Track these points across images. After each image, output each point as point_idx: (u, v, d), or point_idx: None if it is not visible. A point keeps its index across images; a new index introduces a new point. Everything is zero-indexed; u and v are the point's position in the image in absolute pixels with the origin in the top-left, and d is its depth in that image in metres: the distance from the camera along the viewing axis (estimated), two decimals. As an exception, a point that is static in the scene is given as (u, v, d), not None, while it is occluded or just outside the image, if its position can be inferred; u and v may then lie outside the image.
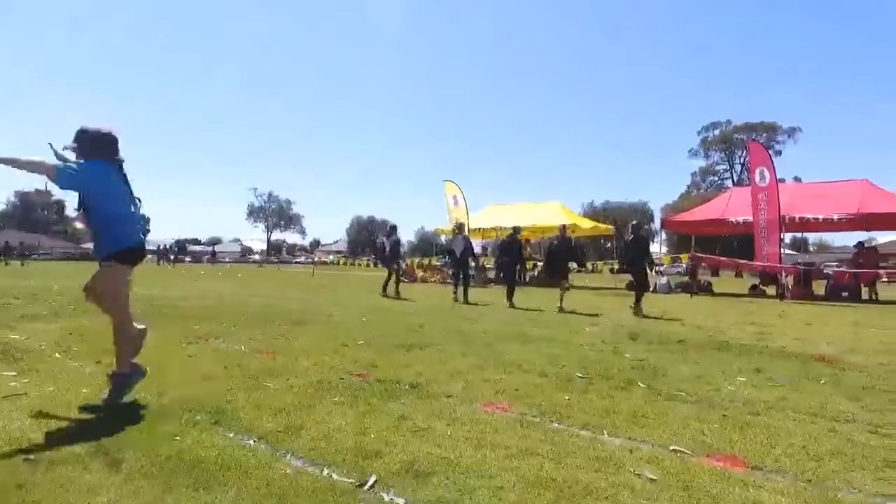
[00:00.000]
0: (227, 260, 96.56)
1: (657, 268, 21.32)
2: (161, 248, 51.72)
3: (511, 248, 11.96)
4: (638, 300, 9.67)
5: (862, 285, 15.58)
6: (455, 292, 11.82)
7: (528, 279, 19.97)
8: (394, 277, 12.75)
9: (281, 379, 3.94)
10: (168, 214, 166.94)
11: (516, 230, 12.46)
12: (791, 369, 4.82)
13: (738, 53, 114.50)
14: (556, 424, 3.07)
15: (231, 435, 2.75)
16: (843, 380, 4.42)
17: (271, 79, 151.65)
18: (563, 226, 11.51)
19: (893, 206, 14.81)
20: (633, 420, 3.16)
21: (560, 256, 10.96)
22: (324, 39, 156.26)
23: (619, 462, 2.49)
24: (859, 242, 17.18)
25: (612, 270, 20.35)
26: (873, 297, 15.28)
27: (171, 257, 49.22)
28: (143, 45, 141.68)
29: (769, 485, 2.28)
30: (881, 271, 16.22)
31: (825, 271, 17.20)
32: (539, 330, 7.11)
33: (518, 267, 13.25)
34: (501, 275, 13.56)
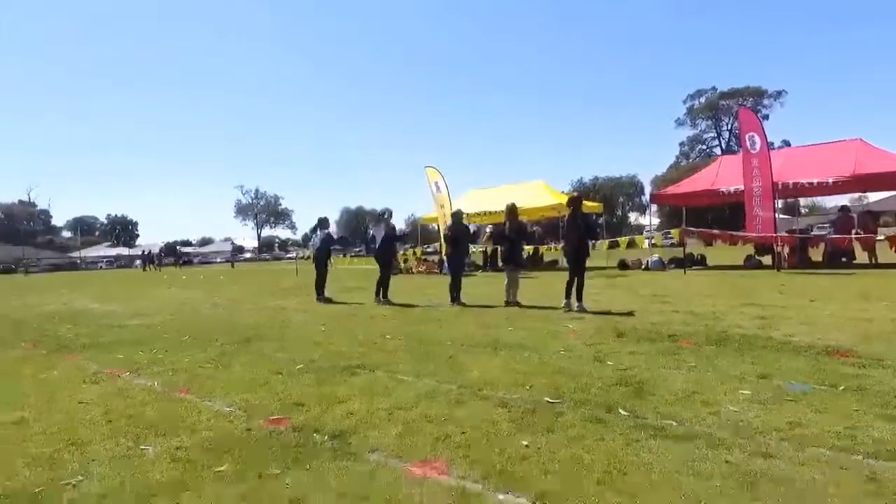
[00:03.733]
0: (218, 260, 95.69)
1: (649, 242, 20.60)
2: (146, 252, 50.71)
3: (457, 239, 9.93)
4: (568, 293, 8.05)
5: (862, 248, 14.90)
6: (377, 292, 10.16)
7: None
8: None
9: (169, 437, 3.12)
10: (158, 218, 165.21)
11: (459, 213, 10.37)
12: (802, 372, 4.05)
13: (722, 18, 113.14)
14: (503, 496, 2.27)
15: (35, 558, 1.94)
16: (867, 384, 3.65)
17: (252, 71, 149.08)
18: (513, 206, 9.31)
19: (889, 166, 14.04)
20: (606, 480, 2.37)
21: (513, 241, 9.19)
22: (303, 26, 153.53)
23: (577, 579, 1.70)
24: (843, 206, 16.44)
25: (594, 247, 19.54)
26: (873, 261, 14.60)
27: (157, 262, 48.31)
28: (120, 45, 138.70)
29: None
30: (881, 231, 15.51)
31: (822, 237, 16.49)
32: (515, 333, 6.31)
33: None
34: (447, 265, 11.13)
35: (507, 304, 8.81)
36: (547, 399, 3.58)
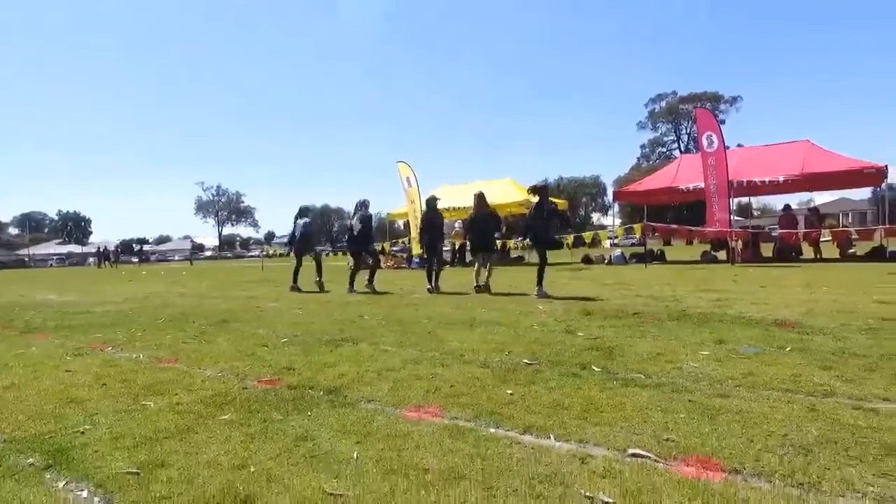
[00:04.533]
0: (177, 258, 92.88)
1: (611, 240, 21.26)
2: (101, 249, 48.94)
3: (433, 225, 9.91)
4: (540, 278, 8.23)
5: (808, 245, 15.86)
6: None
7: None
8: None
9: (167, 396, 3.23)
10: (113, 214, 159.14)
11: (432, 199, 10.23)
12: (754, 337, 4.44)
13: (686, 24, 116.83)
14: (494, 429, 2.51)
15: (61, 484, 2.06)
16: (809, 346, 4.06)
17: (212, 67, 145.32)
18: (481, 195, 9.44)
19: (835, 165, 15.01)
20: (585, 416, 2.63)
21: (482, 228, 9.28)
22: (265, 24, 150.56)
23: (566, 480, 1.94)
24: (786, 205, 17.47)
25: (568, 246, 20.09)
26: (818, 256, 15.56)
27: (113, 259, 46.68)
28: (75, 37, 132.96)
29: (755, 496, 1.78)
30: (824, 230, 16.54)
31: (772, 234, 17.44)
32: (489, 313, 6.58)
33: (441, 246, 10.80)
34: (424, 257, 10.79)
35: (477, 289, 9.02)
36: (525, 361, 3.84)
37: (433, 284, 9.56)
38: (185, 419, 2.77)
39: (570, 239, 18.54)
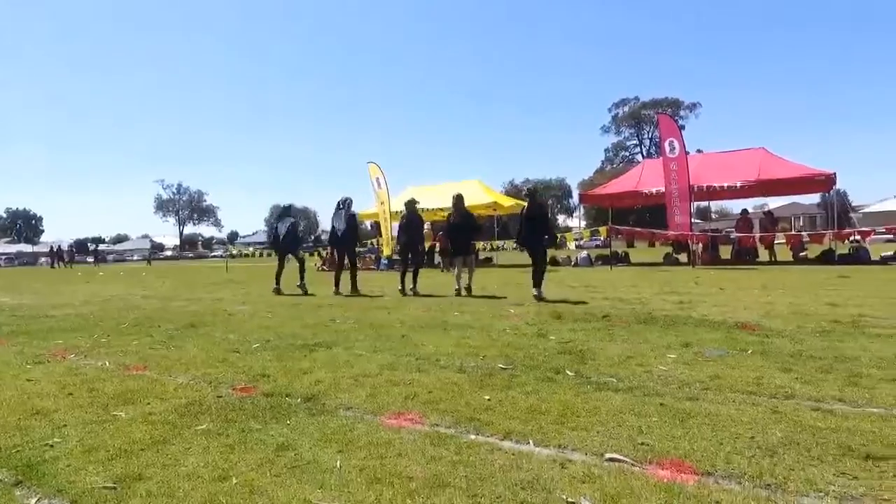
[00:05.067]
0: (135, 258, 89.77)
1: (577, 242, 21.68)
2: (55, 248, 46.93)
3: (412, 227, 9.86)
4: (538, 284, 8.18)
5: (764, 248, 16.52)
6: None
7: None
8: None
9: (139, 405, 3.16)
10: (67, 212, 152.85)
11: (412, 202, 10.15)
12: (718, 340, 4.62)
13: (647, 32, 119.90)
14: (474, 436, 2.55)
15: (33, 501, 2.00)
16: (769, 348, 4.25)
17: (174, 60, 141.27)
18: (460, 196, 9.48)
19: (788, 172, 15.69)
20: (562, 421, 2.70)
21: (461, 232, 9.31)
22: (232, 15, 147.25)
23: (548, 486, 2.00)
24: (743, 209, 18.19)
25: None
26: (773, 259, 16.23)
27: (67, 259, 44.84)
28: (31, 27, 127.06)
29: (727, 498, 1.87)
30: (779, 233, 17.25)
31: (731, 236, 18.10)
32: (462, 316, 6.63)
33: (421, 247, 10.56)
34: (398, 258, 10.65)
35: (458, 292, 9.04)
36: (500, 366, 3.90)
37: (413, 287, 9.52)
38: (160, 430, 2.72)
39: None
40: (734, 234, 17.76)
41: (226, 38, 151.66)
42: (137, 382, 3.70)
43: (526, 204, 8.77)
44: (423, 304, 8.03)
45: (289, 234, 10.47)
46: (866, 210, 64.76)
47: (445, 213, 21.57)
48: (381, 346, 4.81)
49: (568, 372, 3.66)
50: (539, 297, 8.00)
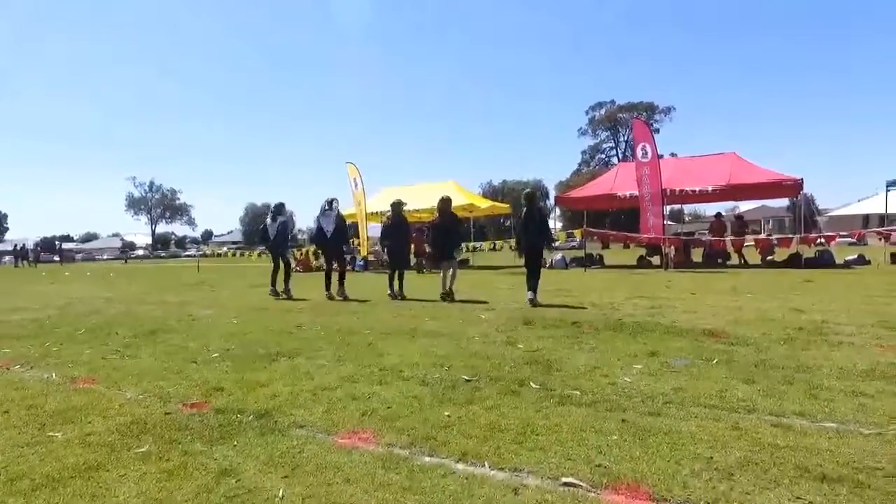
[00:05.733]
0: (105, 257, 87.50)
1: (553, 243, 21.75)
2: (19, 247, 45.41)
3: (400, 229, 9.77)
4: (534, 288, 8.10)
5: (734, 251, 16.79)
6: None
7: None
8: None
9: (79, 424, 2.99)
10: (32, 210, 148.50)
11: (398, 204, 9.93)
12: (684, 349, 4.61)
13: (626, 36, 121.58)
14: (429, 458, 2.45)
15: (-58, 540, 1.84)
16: (734, 357, 4.25)
17: (147, 55, 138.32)
18: (447, 199, 9.37)
19: (757, 178, 15.97)
20: (521, 440, 2.62)
21: (448, 235, 9.17)
22: (206, 12, 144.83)
23: (499, 515, 1.91)
24: (718, 213, 18.50)
25: (511, 248, 20.35)
26: (742, 262, 16.52)
27: (32, 258, 43.43)
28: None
29: (680, 527, 1.81)
30: (748, 237, 17.58)
31: (702, 240, 18.37)
32: (432, 322, 6.53)
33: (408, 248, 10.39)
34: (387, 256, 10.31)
35: (444, 296, 8.88)
36: (464, 377, 3.82)
37: (400, 290, 9.39)
38: (96, 453, 2.56)
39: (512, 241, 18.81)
40: (706, 238, 18.04)
41: (197, 33, 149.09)
42: (82, 398, 3.52)
43: (525, 208, 8.58)
44: (395, 308, 7.92)
45: (279, 234, 10.25)
46: (832, 213, 66.73)
47: (420, 214, 21.60)
48: (346, 355, 4.69)
49: (532, 384, 3.59)
50: (533, 303, 7.93)
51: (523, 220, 8.48)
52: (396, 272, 9.54)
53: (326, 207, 9.80)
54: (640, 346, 4.74)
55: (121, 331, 6.33)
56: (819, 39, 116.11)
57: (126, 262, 52.31)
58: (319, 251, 9.90)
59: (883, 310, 6.66)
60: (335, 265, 9.81)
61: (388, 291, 9.42)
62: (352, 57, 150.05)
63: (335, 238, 9.71)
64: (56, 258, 52.35)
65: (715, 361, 4.13)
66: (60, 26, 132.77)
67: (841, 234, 14.67)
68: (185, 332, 6.19)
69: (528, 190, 9.68)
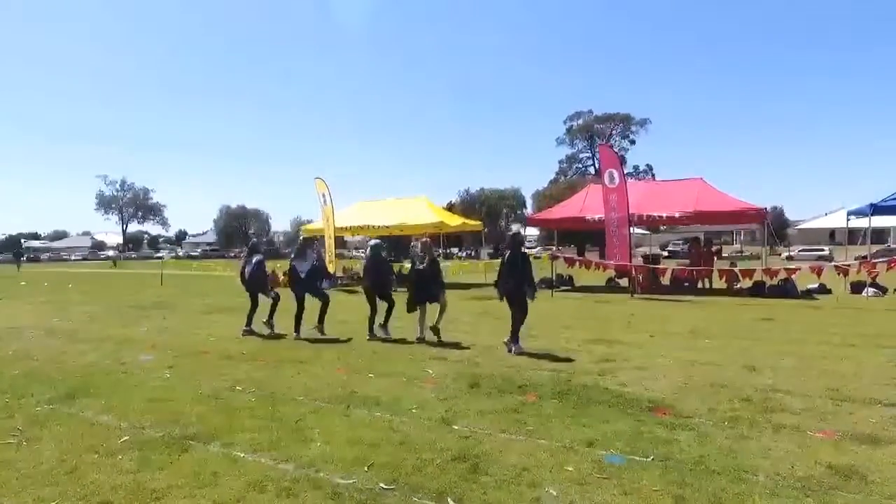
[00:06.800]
0: (74, 257, 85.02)
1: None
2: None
3: (378, 271, 9.26)
4: (514, 337, 7.81)
5: (702, 277, 16.91)
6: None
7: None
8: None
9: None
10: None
11: (378, 247, 9.46)
12: (625, 434, 4.40)
13: (602, 48, 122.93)
14: None
15: None
16: (672, 452, 4.04)
17: (117, 53, 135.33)
18: (428, 244, 8.99)
19: (722, 206, 16.14)
20: None
21: (427, 278, 8.79)
22: (189, 11, 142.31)
23: None
24: (696, 238, 18.68)
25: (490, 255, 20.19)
26: (708, 286, 16.66)
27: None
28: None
29: None
30: (714, 268, 17.73)
31: (667, 268, 18.49)
32: (376, 380, 6.25)
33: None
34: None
35: (420, 340, 8.58)
36: (382, 485, 3.54)
37: (383, 330, 9.04)
38: None
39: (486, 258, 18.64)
40: (673, 267, 18.13)
41: (173, 26, 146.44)
42: (-55, 520, 3.14)
43: (508, 251, 8.14)
44: (343, 357, 7.59)
45: (253, 273, 9.89)
46: (801, 226, 68.39)
47: (391, 230, 21.28)
48: (266, 440, 4.37)
49: (450, 501, 3.33)
50: (516, 351, 7.65)
51: (507, 263, 8.05)
52: (376, 313, 9.10)
53: (304, 248, 9.67)
54: (578, 432, 4.51)
55: (38, 391, 5.90)
56: (795, 47, 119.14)
57: (115, 264, 53.32)
58: (292, 292, 9.57)
59: (834, 368, 6.60)
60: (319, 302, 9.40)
61: (368, 336, 8.99)
62: (334, 61, 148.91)
63: (309, 276, 9.42)
64: (14, 262, 45.72)
65: (651, 459, 3.93)
66: (29, 15, 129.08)
67: (801, 267, 14.91)
68: (107, 394, 5.78)
69: (514, 231, 9.41)
